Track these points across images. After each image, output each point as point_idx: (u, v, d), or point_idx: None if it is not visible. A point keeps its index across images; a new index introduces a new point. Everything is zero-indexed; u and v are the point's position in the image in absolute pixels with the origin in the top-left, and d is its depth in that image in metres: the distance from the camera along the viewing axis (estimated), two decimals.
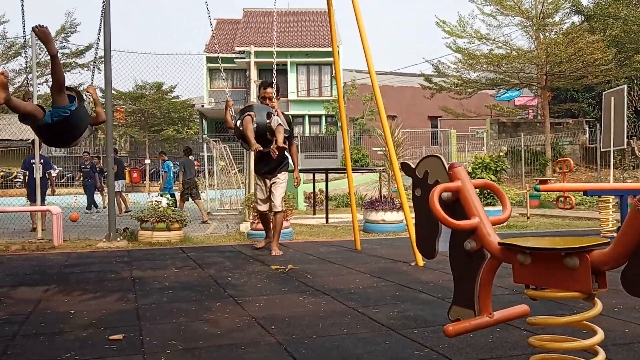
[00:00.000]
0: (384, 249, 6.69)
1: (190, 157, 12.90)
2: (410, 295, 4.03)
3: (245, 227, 8.68)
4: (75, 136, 4.20)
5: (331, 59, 31.03)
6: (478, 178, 10.04)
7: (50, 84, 4.11)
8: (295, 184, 6.46)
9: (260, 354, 2.73)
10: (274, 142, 5.70)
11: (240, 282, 4.60)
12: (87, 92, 4.50)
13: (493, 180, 9.99)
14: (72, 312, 3.63)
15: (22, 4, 4.90)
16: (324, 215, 10.54)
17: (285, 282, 4.58)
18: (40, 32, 3.78)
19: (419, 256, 5.21)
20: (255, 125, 5.70)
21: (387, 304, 3.77)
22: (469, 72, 23.24)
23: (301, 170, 13.67)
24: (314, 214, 11.97)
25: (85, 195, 15.68)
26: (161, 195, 13.87)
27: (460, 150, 27.14)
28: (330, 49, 30.73)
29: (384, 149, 9.66)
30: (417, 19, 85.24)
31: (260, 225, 7.74)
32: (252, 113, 5.79)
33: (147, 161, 26.90)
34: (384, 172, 9.60)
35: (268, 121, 5.75)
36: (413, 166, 2.57)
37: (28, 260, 6.21)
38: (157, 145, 29.80)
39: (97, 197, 15.87)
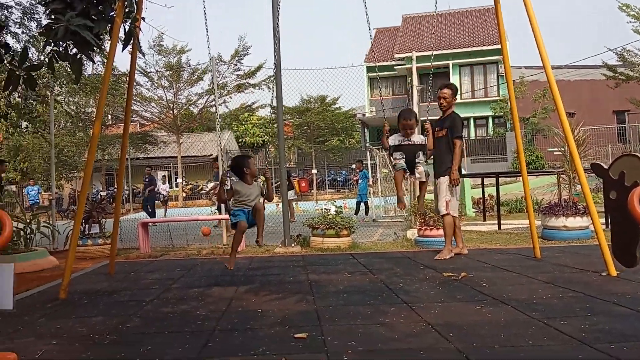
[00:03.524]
0: (567, 257, 6.12)
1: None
2: (602, 308, 3.64)
3: (412, 233, 8.63)
4: None
5: (496, 57, 29.55)
6: None
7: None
8: (452, 183, 6.19)
9: None
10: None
11: (413, 288, 4.57)
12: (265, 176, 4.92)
13: None
14: (260, 310, 3.94)
15: (207, 34, 5.61)
16: (495, 222, 10.02)
17: (459, 290, 4.44)
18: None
19: (612, 265, 4.66)
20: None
21: (576, 315, 3.45)
22: None
23: (468, 175, 13.28)
24: (484, 220, 11.45)
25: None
26: (358, 202, 14.71)
27: None
28: (495, 46, 29.31)
29: (562, 149, 8.86)
30: (593, 4, 77.24)
31: (427, 232, 7.68)
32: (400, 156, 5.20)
33: (314, 171, 28.27)
34: (563, 174, 8.79)
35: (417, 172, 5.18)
36: (606, 167, 2.34)
37: (217, 263, 6.85)
38: (323, 156, 31.15)
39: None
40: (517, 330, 3.17)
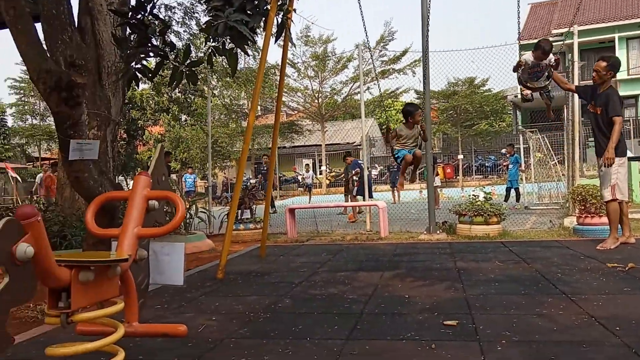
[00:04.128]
0: None
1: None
2: None
3: (570, 221, 7.95)
4: None
5: None
6: None
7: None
8: (604, 162, 5.65)
9: (605, 355, 2.47)
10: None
11: (572, 279, 4.23)
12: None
13: None
14: (407, 296, 3.92)
15: (363, 19, 5.73)
16: None
17: (626, 282, 4.01)
18: None
19: None
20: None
21: None
22: None
23: (637, 158, 11.81)
24: None
25: None
26: (508, 189, 14.12)
27: None
28: None
29: None
30: None
31: (588, 220, 7.04)
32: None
33: (460, 156, 27.28)
34: None
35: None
36: None
37: (362, 248, 6.98)
38: (470, 141, 29.87)
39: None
40: None
